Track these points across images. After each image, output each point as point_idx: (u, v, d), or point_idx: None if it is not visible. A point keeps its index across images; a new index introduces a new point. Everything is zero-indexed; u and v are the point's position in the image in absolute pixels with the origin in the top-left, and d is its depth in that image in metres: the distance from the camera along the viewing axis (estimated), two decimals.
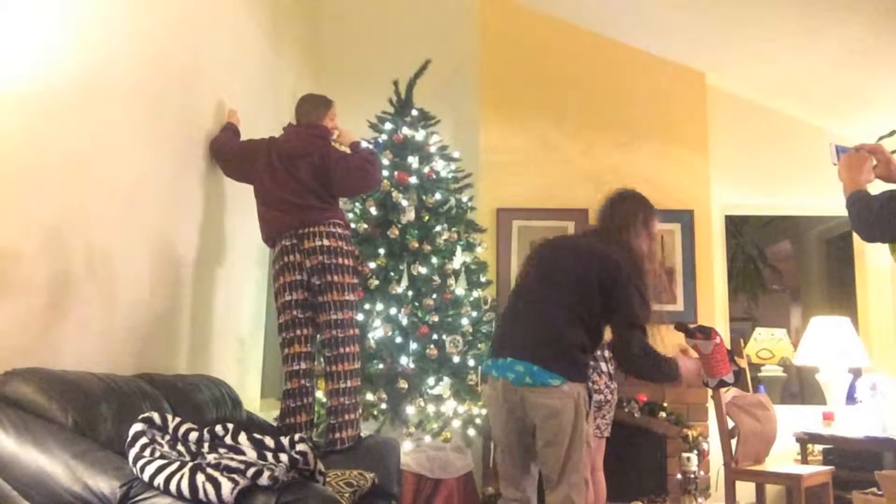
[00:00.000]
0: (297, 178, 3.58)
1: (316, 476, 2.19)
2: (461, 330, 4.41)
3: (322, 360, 3.61)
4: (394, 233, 4.37)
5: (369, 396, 4.10)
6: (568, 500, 2.66)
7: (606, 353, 3.76)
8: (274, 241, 3.63)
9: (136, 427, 2.15)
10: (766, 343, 5.76)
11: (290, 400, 3.56)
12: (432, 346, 4.30)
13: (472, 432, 4.24)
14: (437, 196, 4.61)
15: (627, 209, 2.95)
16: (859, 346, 4.99)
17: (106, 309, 2.78)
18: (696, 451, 4.86)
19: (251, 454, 2.15)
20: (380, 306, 4.18)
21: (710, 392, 4.40)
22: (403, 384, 4.16)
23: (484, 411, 4.17)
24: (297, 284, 3.55)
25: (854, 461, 4.64)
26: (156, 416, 2.24)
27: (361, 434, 3.52)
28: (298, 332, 3.58)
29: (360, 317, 4.05)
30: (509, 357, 2.71)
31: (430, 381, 4.34)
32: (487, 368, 2.81)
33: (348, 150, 3.79)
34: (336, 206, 3.66)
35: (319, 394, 3.83)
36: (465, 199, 4.79)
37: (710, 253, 5.39)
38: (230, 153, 3.77)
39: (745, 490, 4.57)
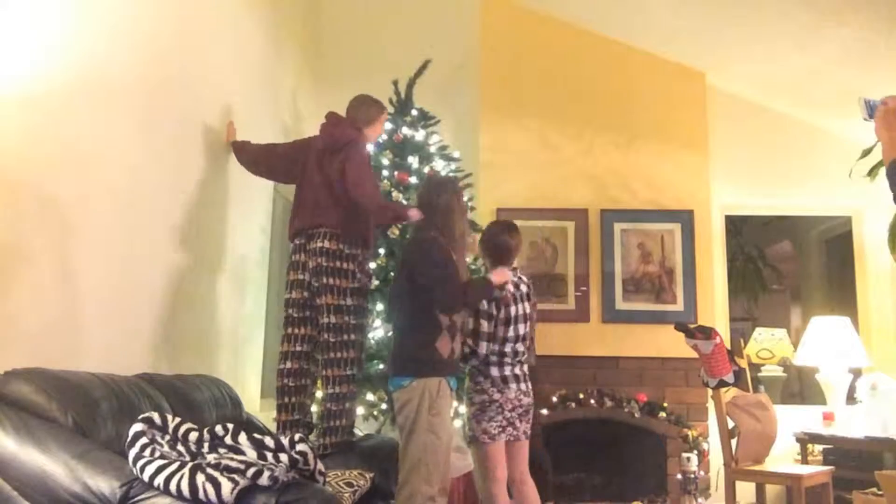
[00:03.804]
0: (324, 174, 3.56)
1: (316, 476, 2.19)
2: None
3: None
4: (394, 233, 4.36)
5: (369, 396, 4.09)
6: None
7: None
8: (292, 238, 3.66)
9: (136, 427, 2.15)
10: (766, 343, 5.76)
11: (279, 397, 3.61)
12: None
13: None
14: None
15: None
16: (859, 346, 4.99)
17: (105, 308, 2.78)
18: (696, 451, 4.86)
19: (251, 454, 2.15)
20: (380, 306, 4.17)
21: (710, 392, 4.40)
22: None
23: None
24: (298, 283, 3.57)
25: (854, 461, 4.63)
26: (156, 416, 2.24)
27: (350, 440, 3.52)
28: (290, 330, 3.61)
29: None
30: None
31: None
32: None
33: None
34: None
35: (320, 394, 3.83)
36: (465, 198, 4.76)
37: (710, 253, 5.39)
38: (274, 157, 3.81)
39: (745, 490, 4.57)
